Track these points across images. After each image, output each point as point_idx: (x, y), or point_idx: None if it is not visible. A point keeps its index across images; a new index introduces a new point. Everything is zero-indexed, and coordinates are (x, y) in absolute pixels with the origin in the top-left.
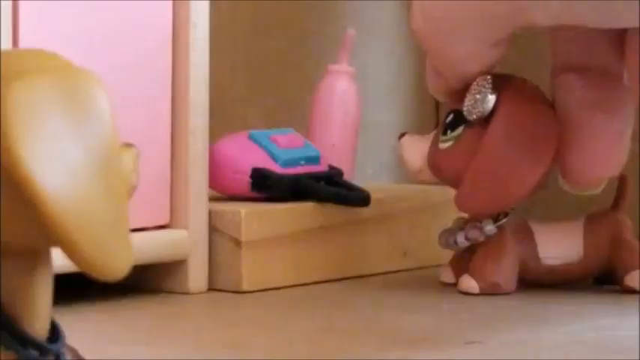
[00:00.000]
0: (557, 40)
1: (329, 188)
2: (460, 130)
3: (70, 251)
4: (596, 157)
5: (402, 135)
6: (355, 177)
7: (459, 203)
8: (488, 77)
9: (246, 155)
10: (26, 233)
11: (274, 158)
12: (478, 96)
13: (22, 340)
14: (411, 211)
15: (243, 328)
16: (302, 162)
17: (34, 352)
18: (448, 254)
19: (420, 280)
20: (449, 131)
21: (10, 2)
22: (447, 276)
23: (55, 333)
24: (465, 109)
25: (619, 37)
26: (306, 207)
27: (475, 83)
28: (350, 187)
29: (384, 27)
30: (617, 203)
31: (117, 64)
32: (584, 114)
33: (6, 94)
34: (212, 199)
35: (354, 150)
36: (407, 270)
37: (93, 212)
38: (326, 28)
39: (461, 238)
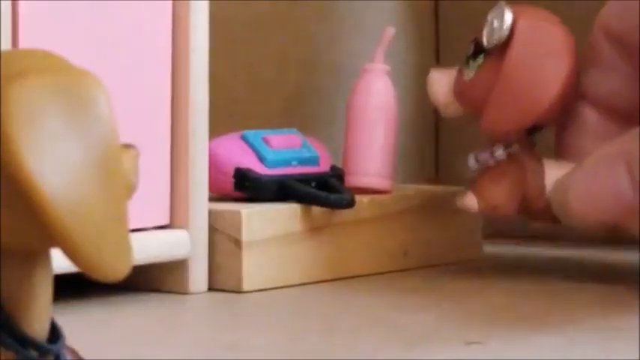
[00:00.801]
0: (592, 75)
1: (310, 190)
2: (481, 58)
3: (70, 252)
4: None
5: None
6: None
7: (487, 123)
8: (503, 3)
9: (231, 155)
10: (26, 233)
11: (261, 159)
12: (495, 23)
13: (21, 340)
14: (411, 211)
15: (243, 329)
16: (294, 163)
17: (33, 353)
18: (448, 254)
19: (420, 280)
20: (471, 61)
21: (10, 2)
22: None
23: (54, 333)
24: (483, 37)
25: None
26: (306, 207)
27: (491, 12)
28: (338, 190)
29: (384, 27)
30: None
31: (116, 65)
32: (594, 144)
33: (6, 94)
34: (212, 199)
35: (394, 149)
36: (407, 270)
37: (93, 213)
38: (326, 28)
39: (472, 161)
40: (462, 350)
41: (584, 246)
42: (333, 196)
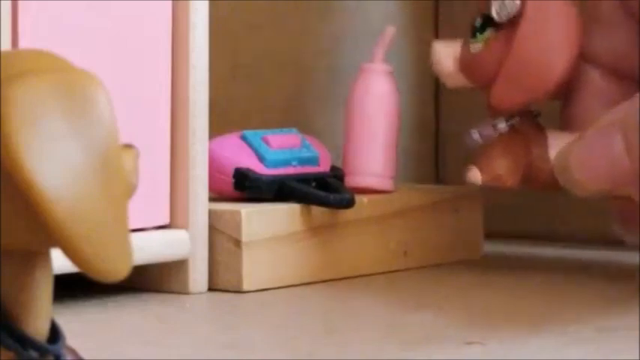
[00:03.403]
0: (594, 34)
1: (310, 190)
2: (488, 32)
3: (70, 252)
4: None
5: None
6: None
7: (495, 100)
8: None
9: (231, 155)
10: (26, 234)
11: (261, 159)
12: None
13: (21, 340)
14: (411, 211)
15: (243, 329)
16: (294, 163)
17: (33, 353)
18: (448, 254)
19: (420, 280)
20: (478, 34)
21: (10, 2)
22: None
23: (54, 333)
24: (494, 12)
25: None
26: (306, 207)
27: None
28: (338, 190)
29: (383, 27)
30: None
31: (116, 65)
32: (600, 107)
33: (6, 94)
34: (212, 199)
35: (395, 149)
36: (407, 270)
37: (93, 213)
38: (326, 28)
39: (475, 135)
40: (462, 350)
41: (584, 246)
42: (333, 196)
